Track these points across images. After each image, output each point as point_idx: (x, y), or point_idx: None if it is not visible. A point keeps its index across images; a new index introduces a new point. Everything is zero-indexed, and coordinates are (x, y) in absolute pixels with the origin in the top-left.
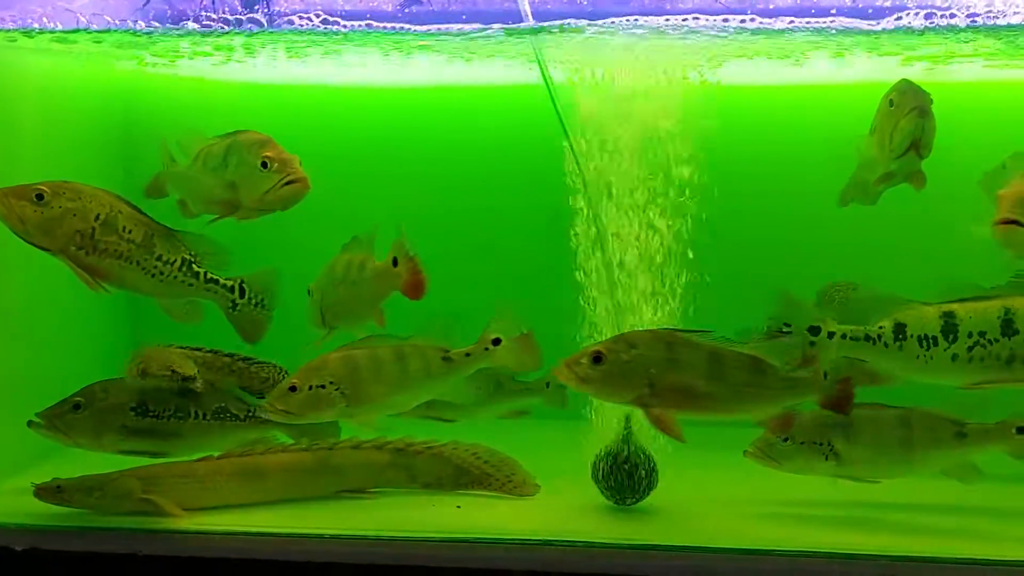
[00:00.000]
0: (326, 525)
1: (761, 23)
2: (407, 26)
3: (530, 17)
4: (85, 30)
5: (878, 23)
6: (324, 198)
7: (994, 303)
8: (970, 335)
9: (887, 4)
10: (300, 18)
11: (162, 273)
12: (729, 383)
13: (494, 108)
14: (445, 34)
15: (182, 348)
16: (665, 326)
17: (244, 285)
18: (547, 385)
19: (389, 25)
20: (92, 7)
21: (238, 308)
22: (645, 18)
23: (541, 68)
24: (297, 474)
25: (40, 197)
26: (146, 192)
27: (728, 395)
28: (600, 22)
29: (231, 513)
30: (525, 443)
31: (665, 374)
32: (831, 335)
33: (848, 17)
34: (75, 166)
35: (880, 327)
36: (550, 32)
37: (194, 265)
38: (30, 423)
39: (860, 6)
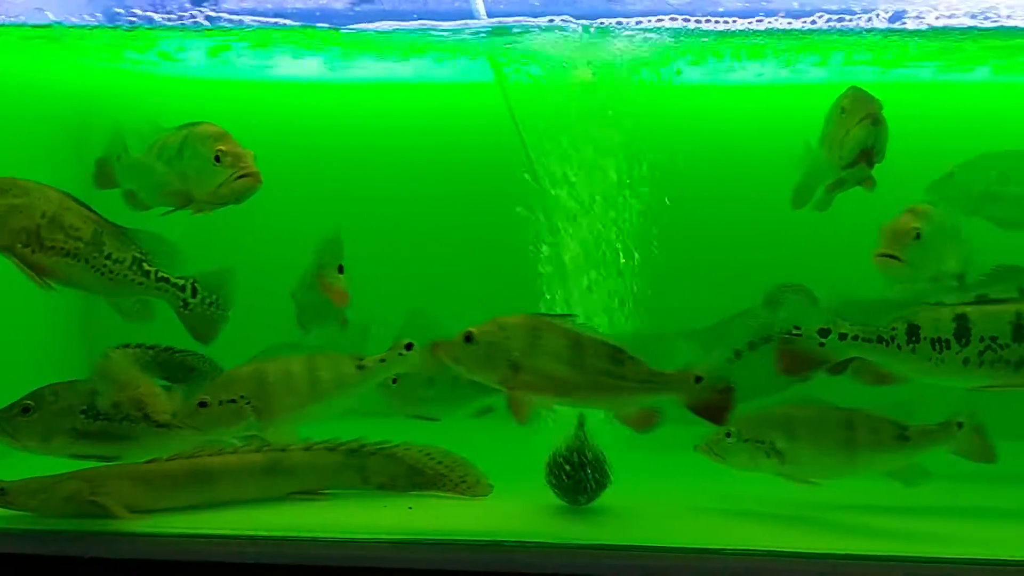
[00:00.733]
0: (277, 527)
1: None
2: (361, 25)
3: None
4: (39, 25)
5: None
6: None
7: (1007, 307)
8: (982, 339)
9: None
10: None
11: (111, 271)
12: (587, 371)
13: (459, 105)
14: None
15: (137, 347)
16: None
17: (196, 284)
18: None
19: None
20: (44, 3)
21: (190, 307)
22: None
23: (495, 68)
24: (248, 476)
25: None
26: (95, 182)
27: (586, 383)
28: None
29: (180, 515)
30: (480, 443)
31: (527, 358)
32: (843, 336)
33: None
34: (25, 163)
35: (893, 328)
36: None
37: (144, 263)
38: None
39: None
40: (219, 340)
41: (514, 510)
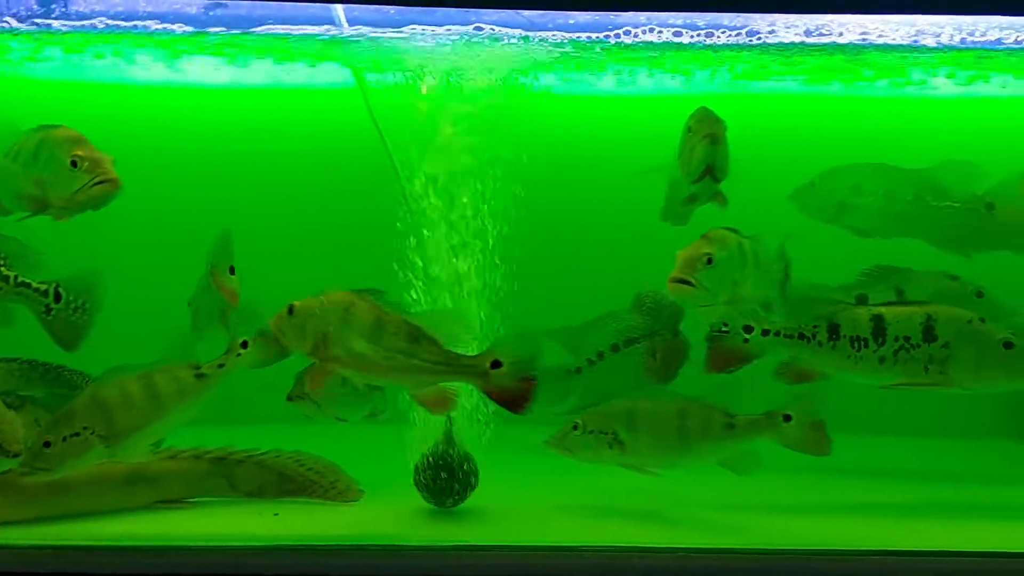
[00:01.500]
0: (139, 536)
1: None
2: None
3: (345, 24)
4: None
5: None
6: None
7: (917, 309)
8: (896, 339)
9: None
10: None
11: None
12: (385, 349)
13: (317, 110)
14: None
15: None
16: None
17: (60, 289)
18: None
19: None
20: None
21: (53, 313)
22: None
23: (355, 74)
24: (108, 486)
25: None
26: None
27: (383, 360)
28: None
29: (40, 527)
30: (352, 449)
31: (336, 332)
32: (765, 332)
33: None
34: None
35: (815, 326)
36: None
37: (3, 268)
38: None
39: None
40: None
41: (383, 514)
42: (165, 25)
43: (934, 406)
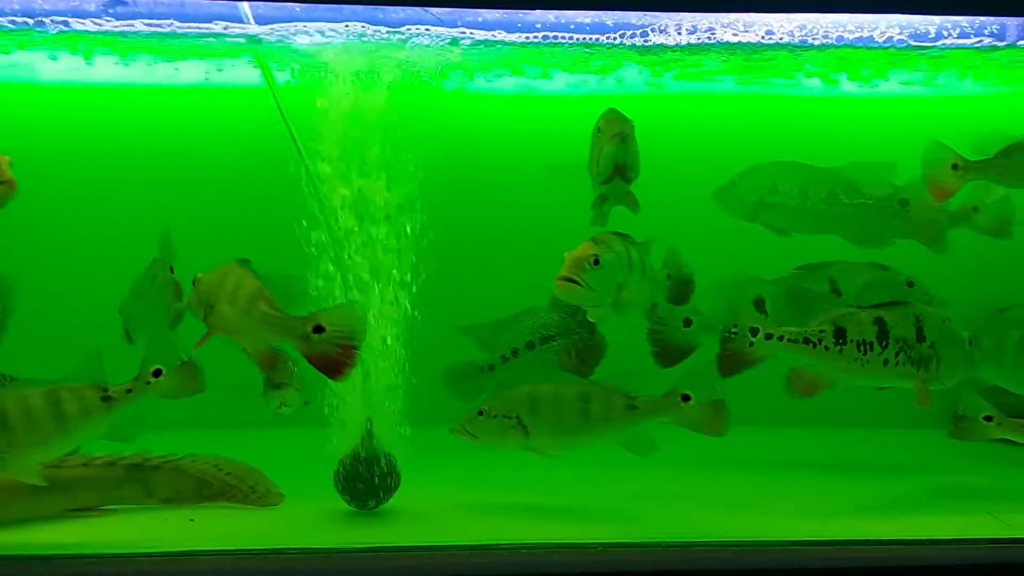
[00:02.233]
0: (49, 544)
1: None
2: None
3: (252, 21)
4: None
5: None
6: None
7: (907, 310)
8: (897, 340)
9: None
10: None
11: None
12: (237, 311)
13: (225, 109)
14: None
15: None
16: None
17: None
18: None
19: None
20: None
21: None
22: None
23: (264, 71)
24: (16, 494)
25: None
26: None
27: (232, 323)
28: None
29: None
30: (272, 452)
31: (214, 300)
32: (769, 336)
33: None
34: None
35: (820, 331)
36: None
37: None
38: None
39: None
40: None
41: (305, 518)
42: (65, 21)
43: (852, 398)
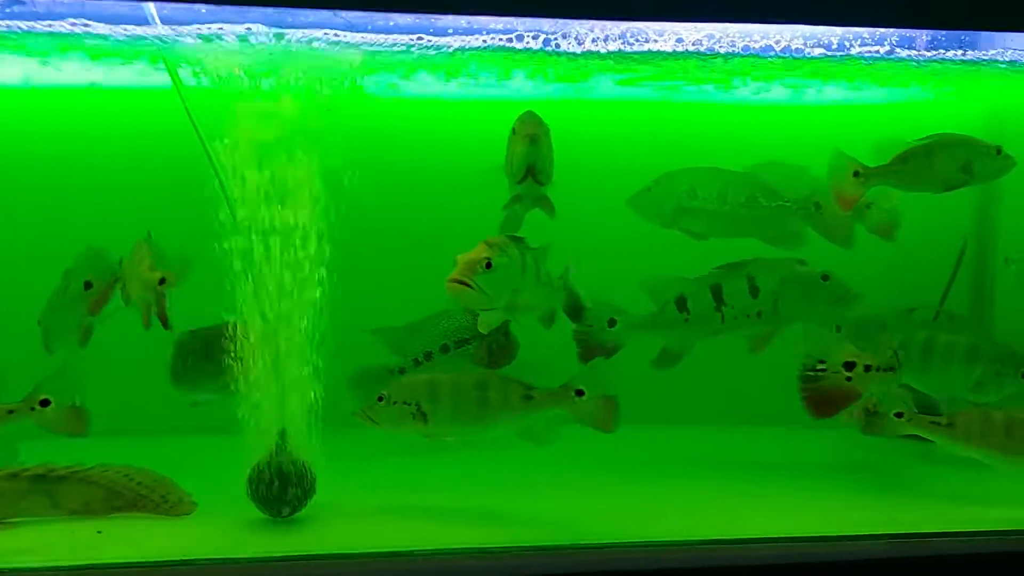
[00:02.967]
0: None
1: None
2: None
3: (157, 22)
4: None
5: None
6: None
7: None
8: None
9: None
10: None
11: None
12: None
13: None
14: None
15: None
16: None
17: None
18: None
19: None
20: None
21: None
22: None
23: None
24: None
25: None
26: None
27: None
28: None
29: None
30: (184, 461)
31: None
32: (867, 368)
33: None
34: None
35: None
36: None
37: None
38: None
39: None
40: None
41: (218, 527)
42: None
43: (720, 395)
